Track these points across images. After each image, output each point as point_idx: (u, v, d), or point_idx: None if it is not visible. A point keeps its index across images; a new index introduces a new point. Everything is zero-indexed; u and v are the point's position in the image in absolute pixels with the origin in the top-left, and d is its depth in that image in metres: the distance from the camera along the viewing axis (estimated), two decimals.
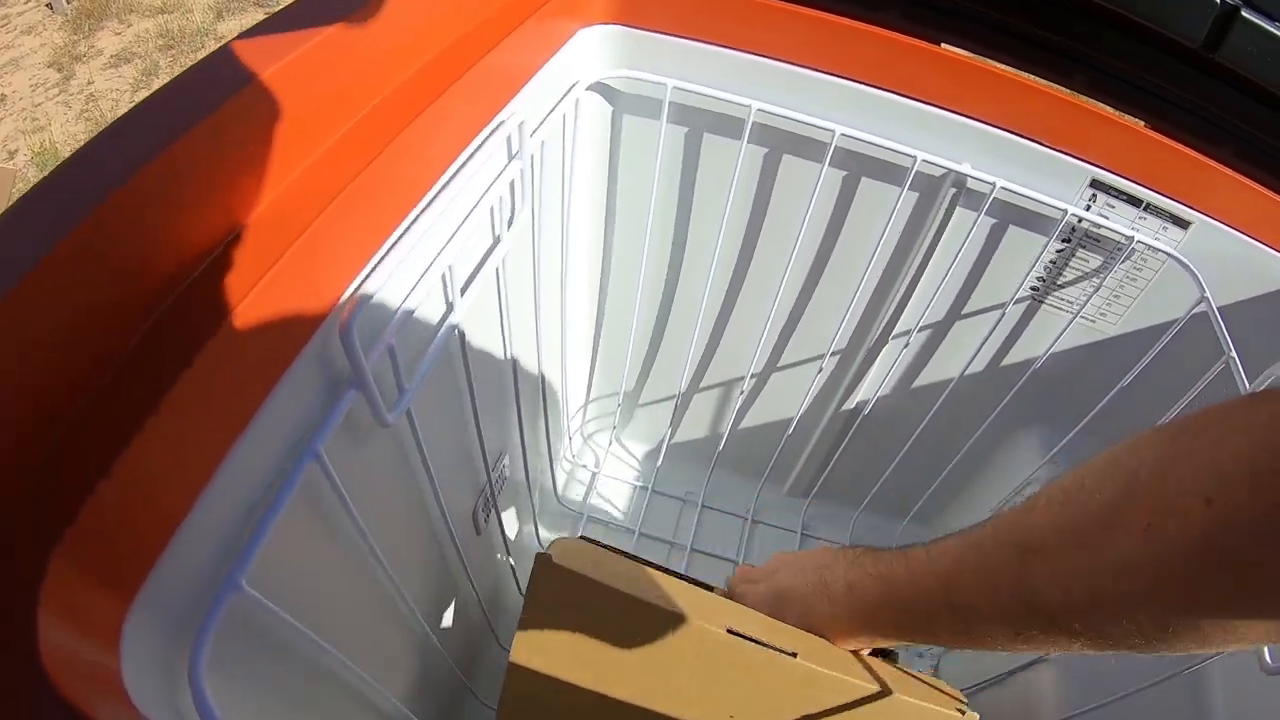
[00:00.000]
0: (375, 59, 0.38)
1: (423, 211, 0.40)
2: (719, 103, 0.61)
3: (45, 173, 1.90)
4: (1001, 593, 0.31)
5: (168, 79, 2.19)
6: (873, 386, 0.78)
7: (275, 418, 0.32)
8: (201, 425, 0.29)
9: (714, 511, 0.94)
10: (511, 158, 0.49)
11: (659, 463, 0.94)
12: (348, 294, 0.36)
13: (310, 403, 0.35)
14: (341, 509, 0.39)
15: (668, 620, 0.40)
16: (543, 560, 0.41)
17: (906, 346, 0.73)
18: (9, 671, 0.21)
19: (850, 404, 0.81)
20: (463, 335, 0.50)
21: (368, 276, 0.37)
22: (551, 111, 0.55)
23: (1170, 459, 0.26)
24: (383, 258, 0.38)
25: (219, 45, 0.33)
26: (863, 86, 0.59)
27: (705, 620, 0.40)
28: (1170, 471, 0.26)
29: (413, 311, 0.40)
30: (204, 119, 0.29)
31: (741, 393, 0.81)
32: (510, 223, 0.51)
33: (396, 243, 0.38)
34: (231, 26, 2.93)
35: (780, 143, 0.64)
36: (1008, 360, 0.73)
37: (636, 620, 0.40)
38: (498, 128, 0.47)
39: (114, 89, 2.80)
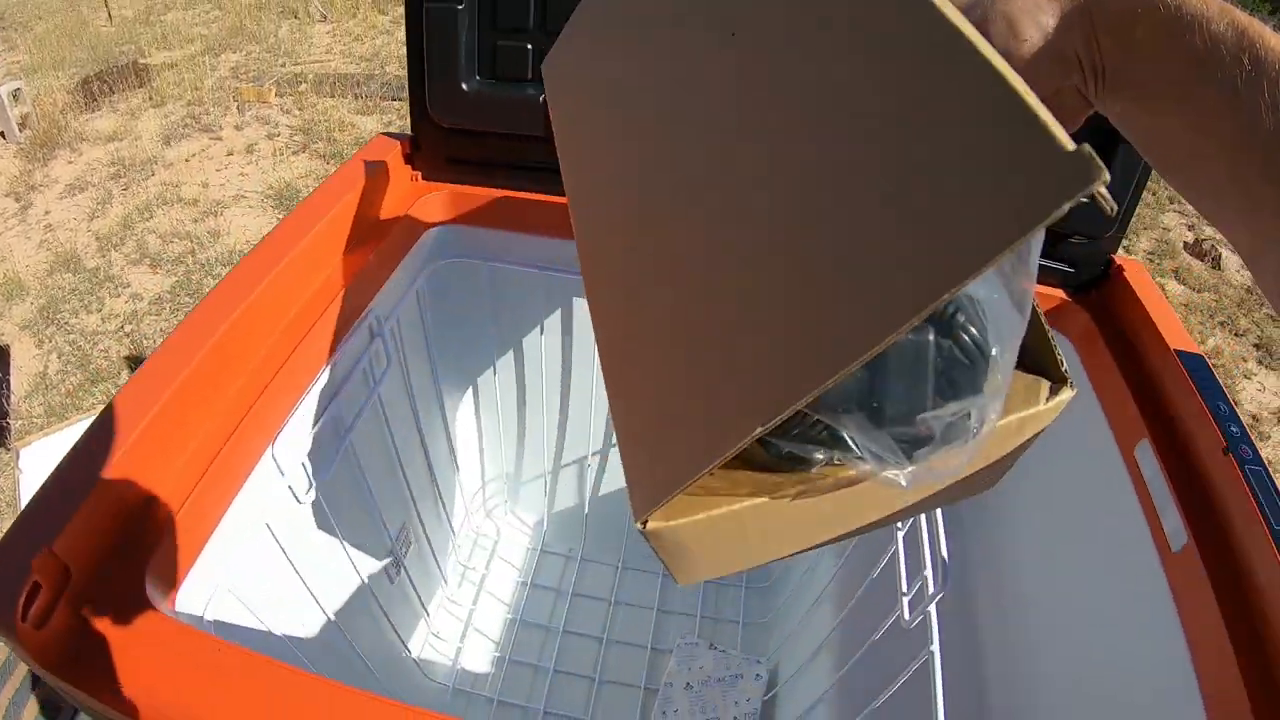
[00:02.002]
0: (290, 289, 0.79)
1: (318, 377, 0.81)
2: (524, 272, 1.03)
3: (10, 303, 2.34)
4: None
5: (121, 208, 2.67)
6: None
7: (245, 499, 0.72)
8: (213, 501, 0.68)
9: (591, 563, 1.32)
10: (374, 337, 0.90)
11: (545, 528, 1.33)
12: (279, 430, 0.76)
13: (264, 489, 0.75)
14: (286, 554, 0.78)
15: None
16: None
17: None
18: (134, 604, 0.60)
19: None
20: (354, 449, 0.90)
21: (289, 419, 0.77)
22: (404, 296, 0.97)
23: None
24: (295, 409, 0.78)
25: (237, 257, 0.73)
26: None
27: None
28: None
29: (318, 437, 0.80)
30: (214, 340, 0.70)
31: (589, 466, 1.21)
32: (384, 375, 0.93)
33: (303, 399, 0.79)
34: (179, 152, 3.43)
35: (572, 288, 1.06)
36: None
37: None
38: (365, 317, 0.88)
39: (71, 219, 3.25)
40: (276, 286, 0.79)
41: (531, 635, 1.25)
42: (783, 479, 0.39)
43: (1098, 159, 0.24)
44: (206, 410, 0.70)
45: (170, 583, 0.63)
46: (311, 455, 0.81)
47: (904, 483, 0.36)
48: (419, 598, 1.13)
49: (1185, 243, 4.27)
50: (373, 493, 0.96)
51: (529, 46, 0.90)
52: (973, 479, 0.44)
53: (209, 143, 3.50)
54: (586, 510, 1.29)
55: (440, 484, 1.18)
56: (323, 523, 0.88)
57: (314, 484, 0.82)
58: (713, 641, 1.25)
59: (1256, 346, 3.62)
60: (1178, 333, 0.82)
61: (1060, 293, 0.93)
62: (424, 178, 1.01)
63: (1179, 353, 0.80)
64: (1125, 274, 0.91)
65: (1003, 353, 0.35)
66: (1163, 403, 0.77)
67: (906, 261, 0.29)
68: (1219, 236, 4.47)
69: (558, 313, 1.09)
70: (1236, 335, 3.64)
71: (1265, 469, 0.69)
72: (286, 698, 0.51)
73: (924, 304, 0.27)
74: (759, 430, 0.31)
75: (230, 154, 3.40)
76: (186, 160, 3.39)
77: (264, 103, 3.74)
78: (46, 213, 3.33)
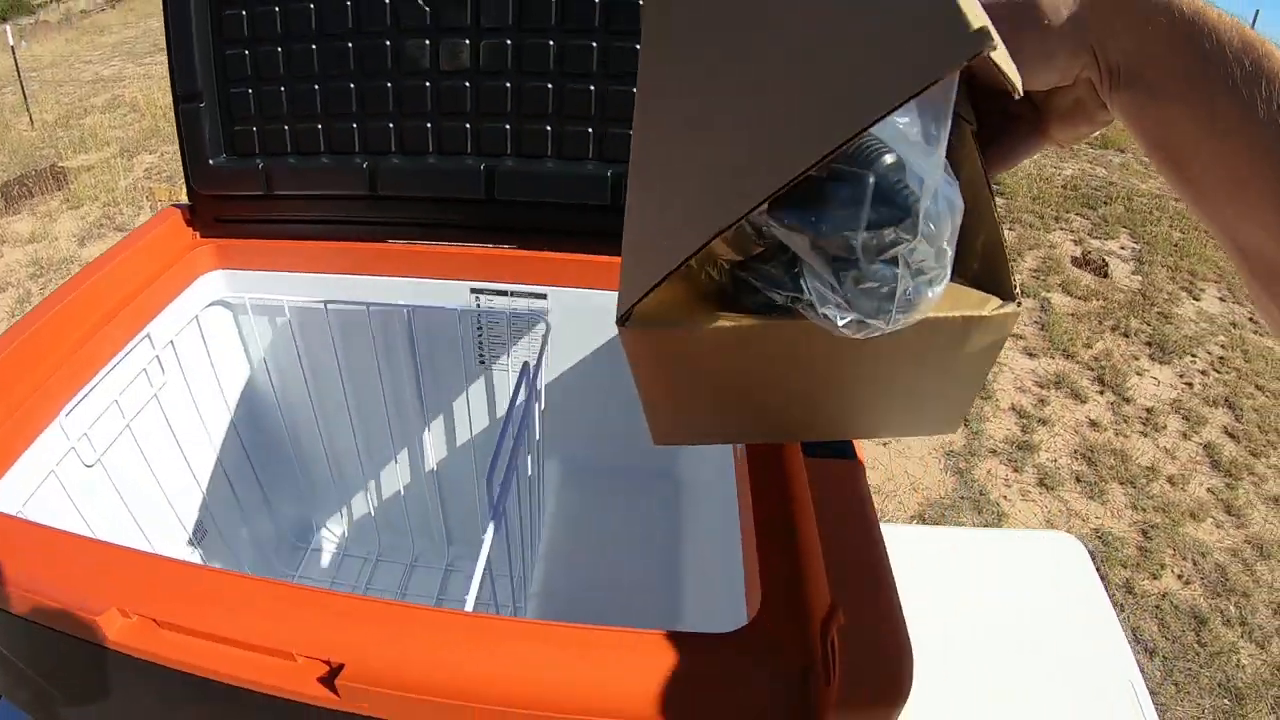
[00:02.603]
0: (84, 311, 1.21)
1: (107, 373, 1.22)
2: (280, 303, 1.45)
3: None
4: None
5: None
6: (435, 453, 1.58)
7: (37, 449, 1.12)
8: (8, 444, 1.09)
9: (385, 562, 1.72)
10: (155, 351, 1.32)
11: (346, 535, 1.73)
12: (66, 404, 1.16)
13: (53, 446, 1.15)
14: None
15: None
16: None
17: (425, 413, 1.54)
18: None
19: (428, 467, 1.61)
20: (139, 440, 1.30)
21: (77, 399, 1.17)
22: (185, 326, 1.39)
23: None
24: (81, 393, 1.18)
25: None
26: (341, 275, 1.43)
27: None
28: None
29: (102, 421, 1.21)
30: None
31: (364, 473, 1.62)
32: (163, 385, 1.34)
33: (90, 387, 1.19)
34: (93, 251, 3.93)
35: (318, 318, 1.48)
36: (499, 410, 1.54)
37: None
38: (144, 334, 1.29)
39: None
40: (73, 307, 1.21)
41: None
42: (746, 315, 0.48)
43: (994, 36, 0.35)
44: (19, 381, 1.11)
45: None
46: (95, 432, 1.21)
47: (839, 321, 0.44)
48: None
49: (1072, 257, 4.72)
50: (159, 480, 1.36)
51: (254, 129, 1.35)
52: (932, 405, 0.56)
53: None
54: (375, 516, 1.70)
55: (241, 493, 1.58)
56: (111, 492, 1.27)
57: (98, 454, 1.22)
58: None
59: (1148, 344, 4.04)
60: None
61: None
62: (201, 236, 1.45)
63: None
64: None
65: (939, 227, 0.43)
66: None
67: (846, 92, 0.40)
68: (1106, 247, 4.90)
69: (311, 339, 1.51)
70: (1126, 336, 4.06)
71: None
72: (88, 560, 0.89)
73: (855, 127, 0.37)
74: (721, 227, 0.41)
75: None
76: None
77: (176, 201, 4.26)
78: None
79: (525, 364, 1.40)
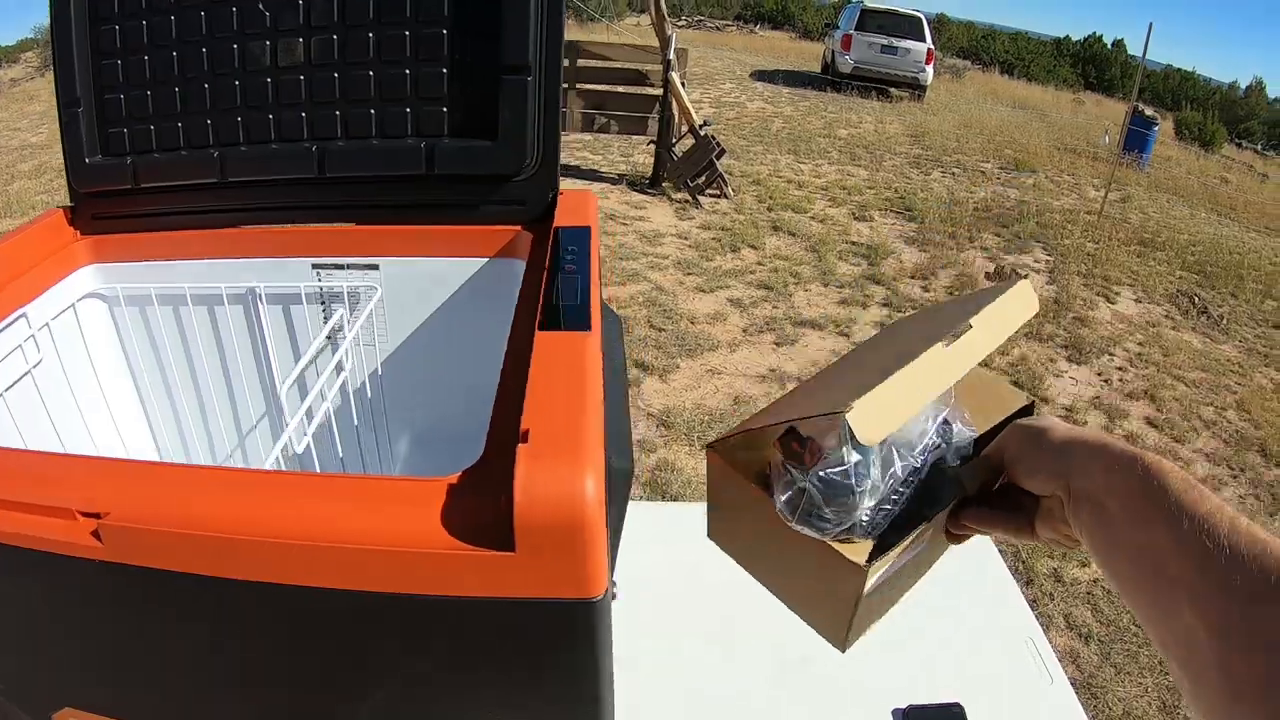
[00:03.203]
0: None
1: None
2: (144, 290, 1.66)
3: None
4: (1215, 582, 0.49)
5: None
6: (294, 427, 1.78)
7: None
8: None
9: None
10: (31, 330, 1.52)
11: None
12: None
13: None
14: None
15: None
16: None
17: (282, 388, 1.75)
18: None
19: (289, 440, 1.80)
20: (13, 411, 1.50)
21: None
22: (60, 313, 1.59)
23: None
24: None
25: None
26: (203, 261, 1.65)
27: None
28: None
29: None
30: None
31: (231, 460, 1.81)
32: (36, 365, 1.54)
33: None
34: None
35: (177, 301, 1.69)
36: (349, 381, 1.74)
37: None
38: (19, 316, 1.50)
39: None
40: None
41: None
42: (762, 489, 0.78)
43: (855, 403, 0.64)
44: None
45: None
46: None
47: (780, 499, 0.74)
48: None
49: (986, 273, 5.00)
50: (27, 447, 1.55)
51: (124, 130, 1.58)
52: (822, 614, 0.80)
53: None
54: None
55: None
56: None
57: None
58: None
59: (1065, 347, 4.30)
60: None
61: (518, 226, 1.54)
62: (81, 234, 1.67)
63: (565, 230, 1.38)
64: (561, 203, 1.49)
65: (838, 496, 0.71)
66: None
67: (826, 399, 0.72)
68: (1020, 261, 5.21)
69: (178, 324, 1.73)
70: (1042, 341, 4.32)
71: (582, 281, 1.19)
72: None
73: (816, 412, 0.70)
74: (785, 420, 0.74)
75: None
76: None
77: None
78: None
79: (339, 312, 1.65)
